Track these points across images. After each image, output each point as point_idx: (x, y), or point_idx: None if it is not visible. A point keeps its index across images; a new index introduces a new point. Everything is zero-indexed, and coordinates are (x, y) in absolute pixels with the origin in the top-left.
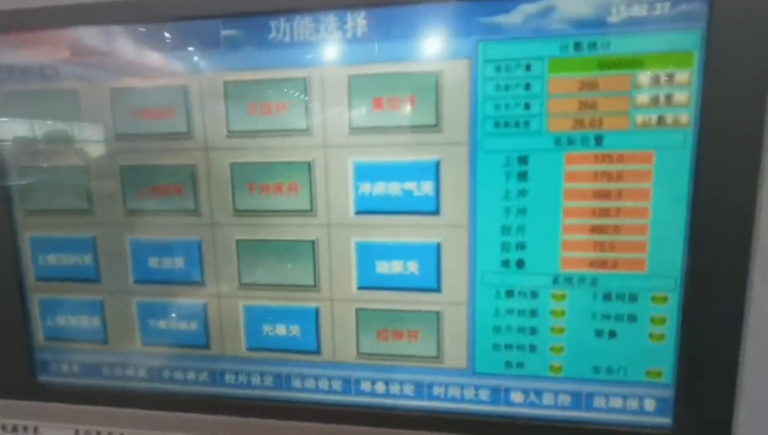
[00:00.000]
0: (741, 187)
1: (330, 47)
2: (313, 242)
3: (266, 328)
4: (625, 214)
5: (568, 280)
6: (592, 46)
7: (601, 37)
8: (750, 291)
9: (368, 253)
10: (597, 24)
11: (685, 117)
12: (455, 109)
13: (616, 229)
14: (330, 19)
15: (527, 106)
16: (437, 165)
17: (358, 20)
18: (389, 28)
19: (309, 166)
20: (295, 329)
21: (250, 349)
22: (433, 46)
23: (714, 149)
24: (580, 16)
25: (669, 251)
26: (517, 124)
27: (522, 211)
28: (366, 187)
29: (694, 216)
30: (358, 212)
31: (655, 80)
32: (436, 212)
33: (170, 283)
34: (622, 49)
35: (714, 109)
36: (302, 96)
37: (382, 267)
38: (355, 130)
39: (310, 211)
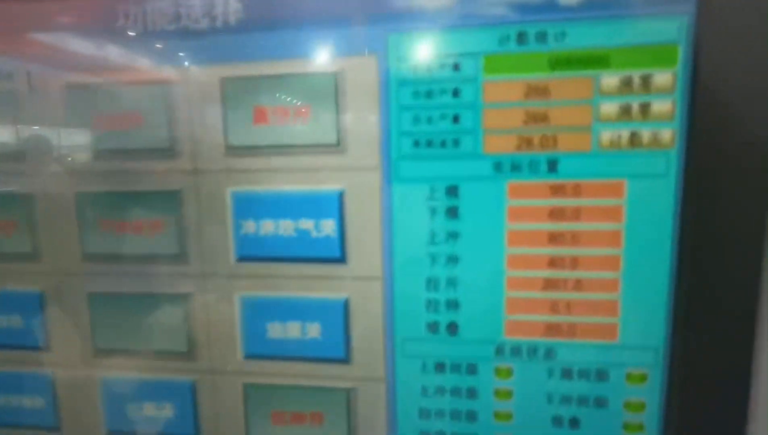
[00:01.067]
0: (745, 227)
1: (195, 40)
2: (184, 297)
3: (130, 408)
4: (589, 265)
5: (516, 350)
6: (542, 37)
7: (552, 25)
8: (757, 368)
9: (256, 312)
10: (547, 8)
11: (668, 134)
12: (361, 122)
13: (577, 284)
14: (193, 2)
15: (456, 120)
16: (340, 197)
17: (230, 3)
18: (271, 15)
19: (175, 198)
20: (167, 409)
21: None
22: (329, 38)
23: (708, 177)
24: None
25: (648, 314)
26: (443, 144)
27: (453, 260)
28: (249, 226)
29: (681, 267)
30: (241, 259)
31: (627, 84)
32: (341, 259)
33: (5, 347)
34: (582, 42)
35: (707, 122)
36: (162, 105)
37: (275, 330)
38: (232, 150)
39: (180, 257)
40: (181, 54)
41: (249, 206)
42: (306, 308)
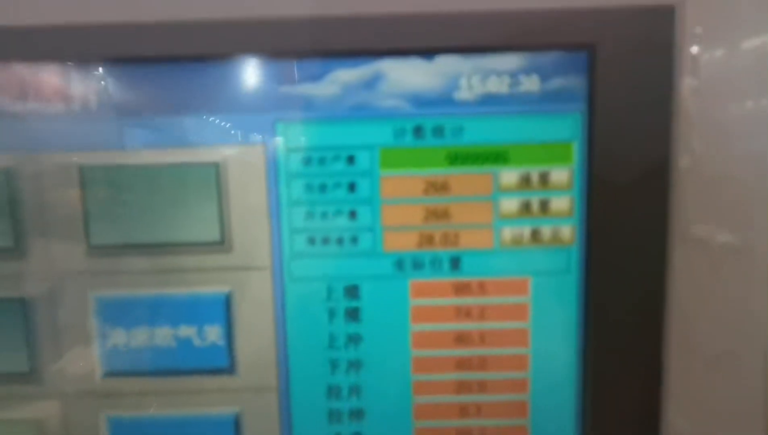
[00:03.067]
0: (646, 322)
1: (50, 123)
2: (38, 423)
3: None
4: (496, 365)
5: None
6: (439, 131)
7: (450, 119)
8: None
9: None
10: (444, 101)
11: (568, 230)
12: (249, 218)
13: (486, 385)
14: (48, 80)
15: (353, 216)
16: (227, 300)
17: (91, 85)
18: (140, 97)
19: (23, 305)
20: None
21: None
22: (210, 125)
23: (609, 274)
24: (420, 90)
25: (558, 415)
26: (340, 241)
27: (355, 365)
28: (119, 336)
29: (587, 366)
30: (109, 374)
31: (526, 181)
32: (230, 370)
33: None
34: (480, 138)
35: (605, 218)
36: (4, 196)
37: None
38: (95, 250)
39: (32, 375)
40: (30, 139)
41: (116, 312)
42: (190, 428)
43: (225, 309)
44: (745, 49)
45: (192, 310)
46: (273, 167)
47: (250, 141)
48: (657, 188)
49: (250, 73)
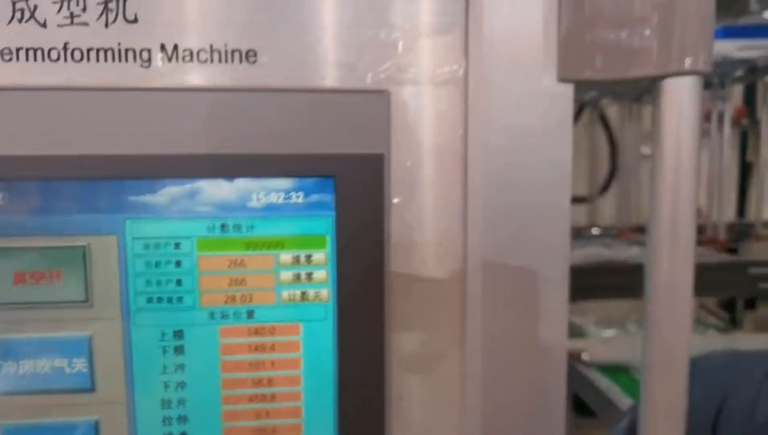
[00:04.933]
0: (371, 362)
1: None
2: None
3: None
4: (280, 383)
5: None
6: (237, 228)
7: (245, 220)
8: None
9: None
10: (241, 208)
11: (325, 292)
12: (106, 284)
13: (273, 397)
14: None
15: (179, 283)
16: (89, 340)
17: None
18: (30, 202)
19: None
20: None
21: None
22: (79, 221)
23: (348, 324)
24: (224, 200)
25: (322, 420)
26: (170, 300)
27: (181, 385)
28: (9, 367)
29: (338, 387)
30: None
31: (296, 260)
32: (92, 389)
33: None
34: (265, 232)
35: (349, 284)
36: None
37: None
38: None
39: None
40: None
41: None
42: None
43: (89, 347)
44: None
45: (64, 348)
46: (123, 250)
47: (107, 232)
48: (377, 264)
49: (104, 189)
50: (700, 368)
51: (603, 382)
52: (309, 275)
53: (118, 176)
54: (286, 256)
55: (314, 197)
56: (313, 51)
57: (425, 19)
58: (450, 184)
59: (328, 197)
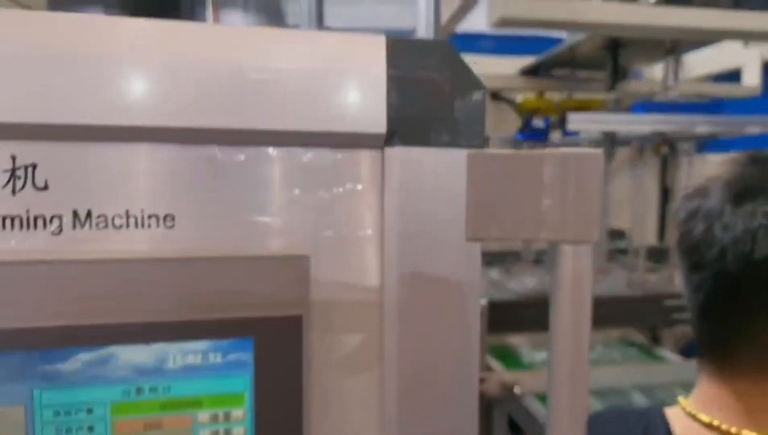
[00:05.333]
0: None
1: None
2: None
3: None
4: None
5: None
6: (153, 390)
7: (161, 382)
8: None
9: None
10: (157, 371)
11: None
12: None
13: None
14: None
15: None
16: None
17: None
18: None
19: None
20: None
21: None
22: None
23: None
24: (140, 364)
25: None
26: None
27: None
28: None
29: None
30: None
31: (215, 418)
32: None
33: None
34: (182, 393)
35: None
36: None
37: None
38: None
39: None
40: None
41: None
42: None
43: None
44: None
45: None
46: (31, 418)
47: (14, 403)
48: (295, 420)
49: (11, 360)
50: (593, 424)
51: (534, 404)
52: (227, 432)
53: (25, 347)
54: (203, 416)
55: (232, 356)
56: (231, 215)
57: (343, 182)
58: None
59: (247, 356)
